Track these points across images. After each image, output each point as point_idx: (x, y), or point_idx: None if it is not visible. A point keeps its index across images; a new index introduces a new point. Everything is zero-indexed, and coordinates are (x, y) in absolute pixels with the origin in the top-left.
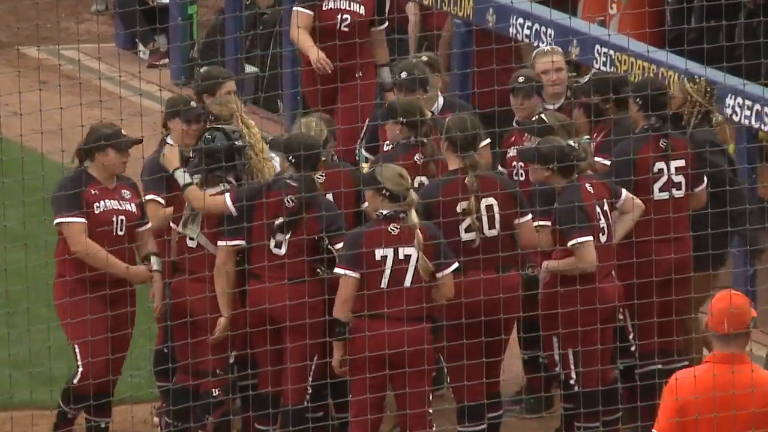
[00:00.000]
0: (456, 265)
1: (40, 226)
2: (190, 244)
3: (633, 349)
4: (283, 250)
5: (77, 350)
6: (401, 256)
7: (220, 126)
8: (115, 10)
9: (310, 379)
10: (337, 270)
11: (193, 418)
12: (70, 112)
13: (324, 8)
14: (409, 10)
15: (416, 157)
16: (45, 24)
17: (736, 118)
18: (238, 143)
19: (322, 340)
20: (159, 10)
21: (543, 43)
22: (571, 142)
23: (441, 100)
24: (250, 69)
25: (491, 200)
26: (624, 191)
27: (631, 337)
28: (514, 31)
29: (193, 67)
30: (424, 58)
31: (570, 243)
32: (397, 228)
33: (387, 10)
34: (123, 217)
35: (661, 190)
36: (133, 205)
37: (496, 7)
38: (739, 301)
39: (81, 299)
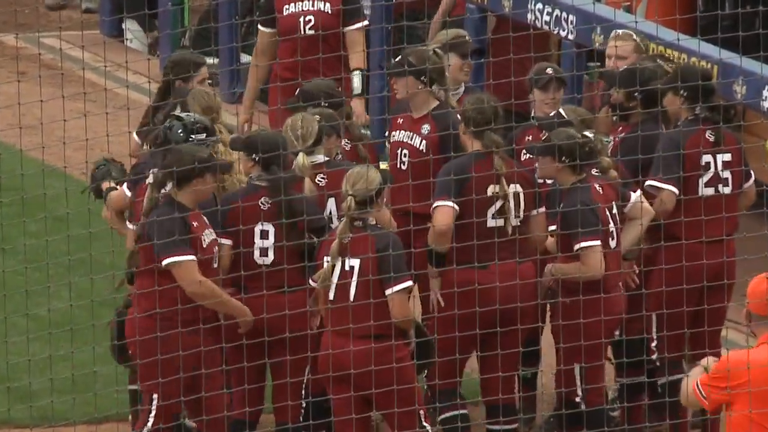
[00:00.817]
0: (408, 283)
1: (18, 228)
2: None
3: (656, 359)
4: (269, 258)
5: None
6: (347, 267)
7: (179, 114)
8: None
9: (303, 394)
10: None
11: None
12: (51, 105)
13: (285, 13)
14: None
15: (343, 142)
16: (23, 9)
17: None
18: (198, 136)
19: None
20: None
21: (564, 30)
22: (587, 133)
23: (462, 88)
24: (246, 59)
25: (518, 187)
26: (633, 194)
27: (654, 345)
28: (533, 18)
29: None
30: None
31: (577, 247)
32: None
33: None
34: (217, 247)
35: (707, 185)
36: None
37: None
38: None
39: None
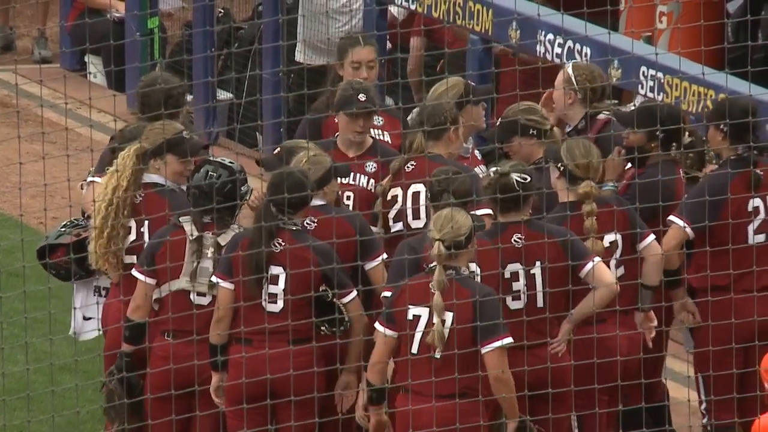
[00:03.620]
0: (509, 340)
1: None
2: (198, 300)
3: (706, 424)
4: (278, 307)
5: None
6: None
7: (220, 161)
8: (61, 23)
9: None
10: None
11: None
12: (6, 146)
13: None
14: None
15: None
16: None
17: None
18: (245, 188)
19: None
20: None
21: None
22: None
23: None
24: (223, 95)
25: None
26: (651, 237)
27: (703, 408)
28: (542, 50)
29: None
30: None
31: (581, 273)
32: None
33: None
34: None
35: (757, 231)
36: None
37: (520, 21)
38: None
39: None
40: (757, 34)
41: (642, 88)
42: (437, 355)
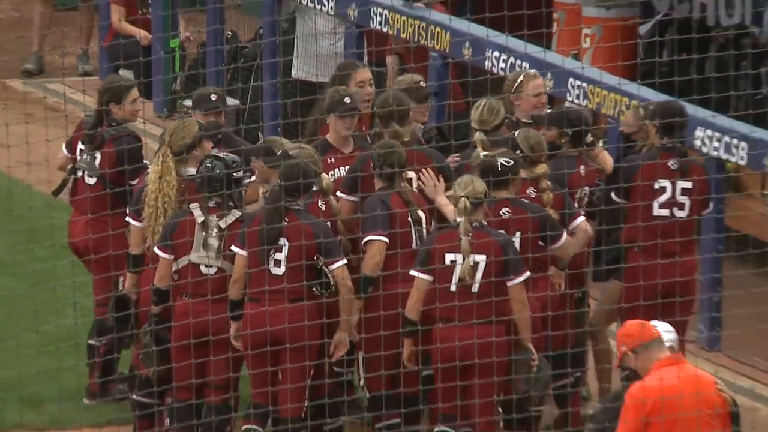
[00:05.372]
0: (527, 274)
1: (27, 254)
2: (206, 270)
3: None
4: (281, 270)
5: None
6: (471, 263)
7: (217, 155)
8: (100, 43)
9: (307, 395)
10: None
11: None
12: (56, 143)
13: None
14: (389, 64)
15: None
16: (29, 57)
17: (705, 150)
18: (237, 174)
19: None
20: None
21: None
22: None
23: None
24: (231, 102)
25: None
26: (564, 237)
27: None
28: (490, 64)
29: (175, 99)
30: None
31: (555, 246)
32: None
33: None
34: None
35: (661, 206)
36: None
37: (472, 41)
38: None
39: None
40: (663, 52)
41: (570, 95)
42: (474, 289)
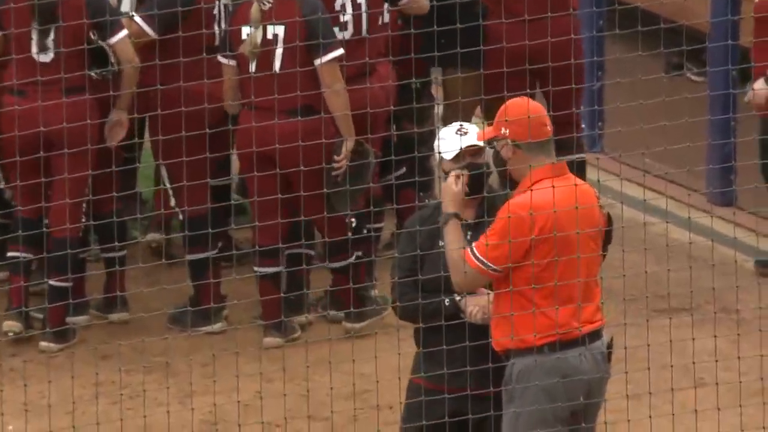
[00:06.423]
0: (340, 52)
1: None
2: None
3: None
4: (49, 57)
5: None
6: (269, 35)
7: None
8: None
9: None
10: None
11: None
12: None
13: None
14: None
15: None
16: None
17: None
18: None
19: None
20: None
21: None
22: None
23: None
24: None
25: None
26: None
27: None
28: None
29: None
30: None
31: None
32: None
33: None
34: None
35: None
36: None
37: None
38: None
39: None
40: None
41: None
42: (276, 70)
